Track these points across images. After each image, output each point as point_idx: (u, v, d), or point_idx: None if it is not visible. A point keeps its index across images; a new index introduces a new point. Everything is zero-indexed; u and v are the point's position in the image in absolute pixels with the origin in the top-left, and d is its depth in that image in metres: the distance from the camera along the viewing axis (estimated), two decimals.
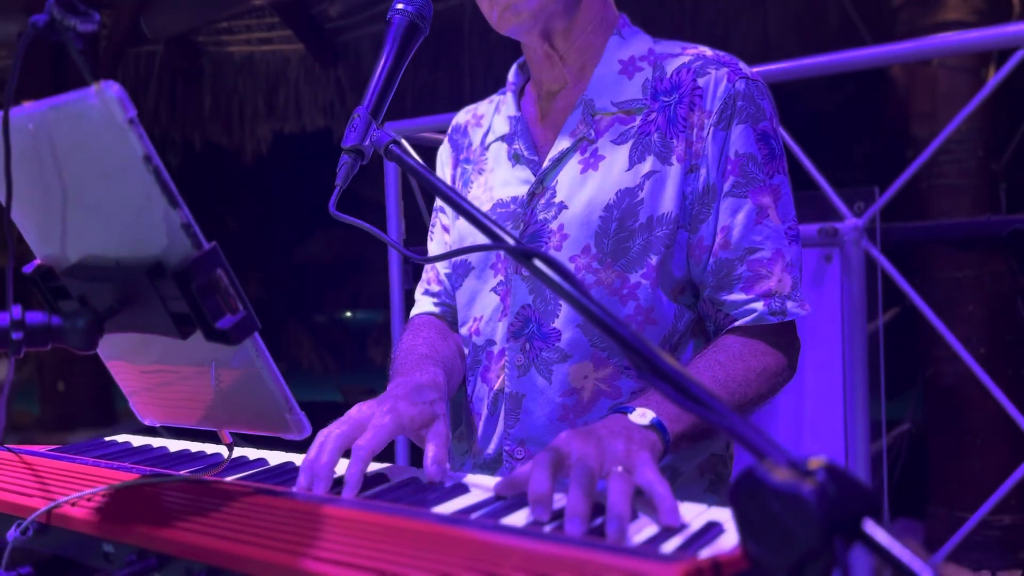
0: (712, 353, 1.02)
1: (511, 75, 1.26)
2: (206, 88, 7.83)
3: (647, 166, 1.04)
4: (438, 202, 1.29)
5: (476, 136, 1.27)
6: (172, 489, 0.90)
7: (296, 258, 9.98)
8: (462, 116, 1.34)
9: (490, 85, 6.91)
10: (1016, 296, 3.33)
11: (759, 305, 1.04)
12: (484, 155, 1.23)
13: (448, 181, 1.28)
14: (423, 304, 1.29)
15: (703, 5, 5.58)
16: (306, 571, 0.68)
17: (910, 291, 1.57)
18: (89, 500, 0.89)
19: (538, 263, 0.72)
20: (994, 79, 1.56)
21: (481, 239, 1.10)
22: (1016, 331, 3.29)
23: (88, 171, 0.74)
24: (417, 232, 2.24)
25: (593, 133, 1.08)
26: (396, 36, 1.01)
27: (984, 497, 2.02)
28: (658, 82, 1.08)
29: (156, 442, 1.19)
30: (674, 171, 1.04)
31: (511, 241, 0.77)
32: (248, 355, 0.77)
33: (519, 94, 1.24)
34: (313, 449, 0.88)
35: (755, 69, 1.34)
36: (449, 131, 1.35)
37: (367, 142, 0.95)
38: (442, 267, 1.27)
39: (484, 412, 1.14)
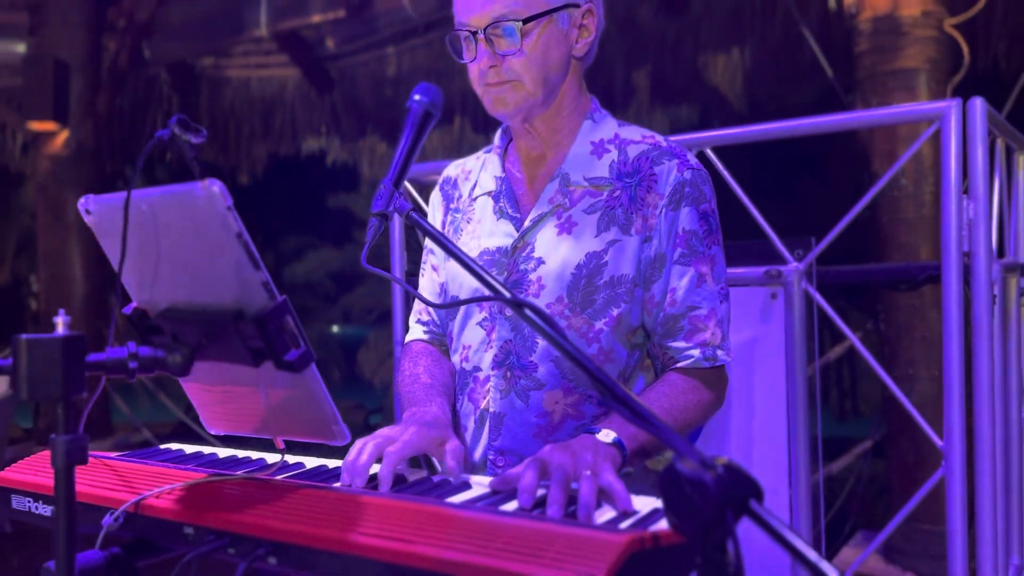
0: (659, 387, 1.27)
1: (497, 139, 1.48)
2: (203, 110, 8.06)
3: (611, 235, 1.29)
4: (428, 243, 1.52)
5: (465, 189, 1.50)
6: (236, 485, 1.13)
7: (289, 276, 10.18)
8: (452, 170, 1.55)
9: (481, 109, 7.18)
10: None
11: (696, 352, 1.29)
12: (472, 206, 1.45)
13: (439, 224, 1.51)
14: (416, 332, 1.53)
15: (685, 38, 5.87)
16: (354, 543, 0.92)
17: (842, 326, 1.83)
18: (169, 493, 1.12)
19: (529, 312, 0.96)
20: (909, 150, 1.82)
21: (470, 281, 1.34)
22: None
23: (187, 241, 0.98)
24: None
25: (568, 202, 1.32)
26: (414, 122, 1.24)
27: (942, 509, 2.23)
28: (622, 165, 1.32)
29: (205, 449, 1.42)
30: (633, 241, 1.28)
31: (507, 293, 1.01)
32: (307, 378, 1.00)
33: (504, 154, 1.46)
34: (352, 453, 1.12)
35: (707, 134, 1.58)
36: (440, 181, 1.57)
37: (391, 208, 1.18)
38: (432, 300, 1.50)
39: (471, 426, 1.37)
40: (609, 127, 1.37)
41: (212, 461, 1.31)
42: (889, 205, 3.59)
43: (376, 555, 0.92)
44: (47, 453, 1.34)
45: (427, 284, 1.50)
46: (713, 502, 0.74)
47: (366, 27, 5.59)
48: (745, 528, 0.76)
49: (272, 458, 1.31)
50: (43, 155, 6.27)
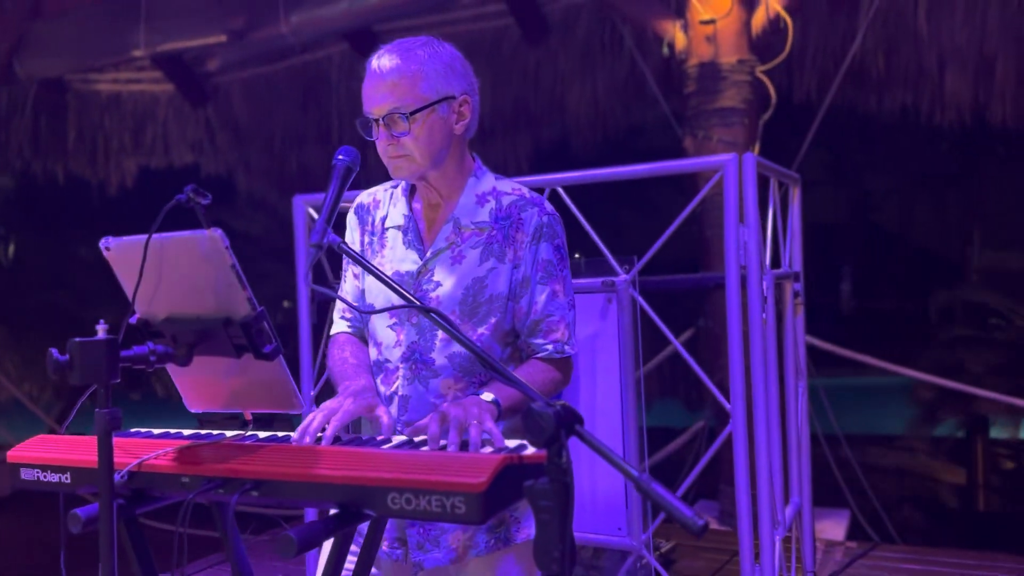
0: (524, 368, 1.75)
1: (403, 183, 1.91)
2: (71, 123, 8.03)
3: (490, 264, 1.74)
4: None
5: (377, 215, 1.90)
6: (214, 446, 1.53)
7: None
8: (365, 198, 1.93)
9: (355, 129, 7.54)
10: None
11: (550, 346, 1.77)
12: (384, 235, 1.86)
13: (358, 242, 1.87)
14: (341, 325, 1.93)
15: (545, 71, 6.45)
16: (316, 474, 1.36)
17: (662, 326, 2.38)
18: (165, 455, 1.51)
19: (434, 316, 1.43)
20: (697, 197, 2.41)
21: (386, 293, 1.77)
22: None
23: (189, 269, 1.39)
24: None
25: (459, 240, 1.77)
26: (338, 175, 1.67)
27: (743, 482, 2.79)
28: (498, 211, 1.77)
29: (171, 430, 1.79)
30: (506, 268, 1.75)
31: (417, 303, 1.46)
32: (277, 365, 1.43)
33: (410, 195, 1.89)
34: (305, 421, 1.54)
35: (557, 176, 2.06)
36: (355, 206, 1.94)
37: (325, 241, 1.60)
38: (352, 301, 1.90)
39: (384, 403, 1.82)
40: (488, 182, 1.82)
41: (190, 435, 1.69)
42: (711, 221, 4.25)
43: (333, 480, 1.36)
44: (43, 436, 1.71)
45: (350, 289, 1.90)
46: (554, 425, 1.22)
47: (247, 51, 5.85)
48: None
49: (230, 433, 1.70)
50: None
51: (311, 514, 3.03)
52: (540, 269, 1.76)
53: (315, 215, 2.86)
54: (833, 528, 4.14)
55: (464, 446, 1.47)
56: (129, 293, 1.46)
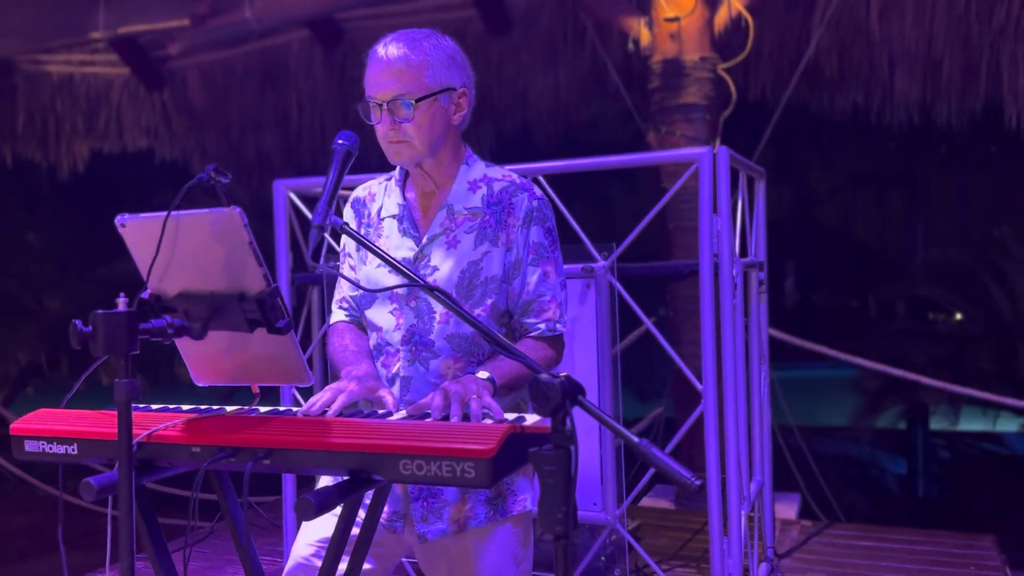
0: (519, 347, 1.82)
1: (397, 173, 1.97)
2: (20, 105, 7.85)
3: (484, 248, 1.82)
4: (347, 248, 1.99)
5: (373, 208, 1.97)
6: (221, 418, 1.58)
7: (107, 274, 9.95)
8: (361, 192, 2.02)
9: (316, 116, 7.51)
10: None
11: (543, 325, 1.86)
12: (380, 225, 1.93)
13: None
14: (339, 314, 1.99)
15: (507, 63, 6.52)
16: (328, 443, 1.42)
17: (638, 310, 2.49)
18: (174, 427, 1.56)
19: (439, 295, 1.50)
20: (674, 187, 2.52)
21: (385, 279, 1.83)
22: None
23: (207, 246, 1.44)
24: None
25: (453, 225, 1.84)
26: (338, 159, 1.72)
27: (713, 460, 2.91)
28: (490, 197, 1.85)
29: (171, 404, 1.83)
30: (499, 251, 1.82)
31: (423, 282, 1.54)
32: (288, 339, 1.49)
33: (403, 185, 1.95)
34: (310, 401, 1.60)
35: (540, 165, 2.14)
36: (351, 200, 2.02)
37: (327, 222, 1.66)
38: (349, 291, 1.97)
39: (386, 385, 1.89)
40: (479, 169, 1.90)
41: (188, 410, 1.74)
42: (674, 215, 4.38)
43: (345, 448, 1.42)
44: (45, 410, 1.74)
45: (350, 277, 1.97)
46: (559, 395, 1.31)
47: (210, 36, 5.80)
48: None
49: (231, 408, 1.75)
50: None
51: (288, 494, 3.07)
52: (531, 251, 1.83)
53: (296, 200, 2.90)
54: (785, 510, 4.32)
55: (465, 419, 1.55)
56: (142, 269, 1.50)
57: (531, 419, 1.56)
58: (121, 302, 1.38)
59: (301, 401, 2.74)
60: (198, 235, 1.45)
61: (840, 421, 7.82)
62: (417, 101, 1.73)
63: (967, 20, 5.30)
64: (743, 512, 2.57)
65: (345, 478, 1.45)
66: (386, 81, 1.74)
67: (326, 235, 1.83)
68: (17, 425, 1.69)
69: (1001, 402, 5.18)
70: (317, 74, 7.20)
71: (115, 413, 1.70)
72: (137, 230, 1.49)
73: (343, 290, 2.00)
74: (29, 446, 1.67)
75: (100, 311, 1.35)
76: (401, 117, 1.75)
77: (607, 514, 2.55)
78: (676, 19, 4.32)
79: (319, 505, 1.36)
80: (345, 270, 1.99)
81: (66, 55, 7.59)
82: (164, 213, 1.45)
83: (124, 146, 8.08)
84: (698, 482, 1.25)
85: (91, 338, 1.35)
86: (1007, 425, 7.54)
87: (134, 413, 1.68)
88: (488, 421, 1.54)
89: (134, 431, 1.58)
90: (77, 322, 1.34)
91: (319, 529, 1.79)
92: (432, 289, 1.51)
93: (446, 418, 1.54)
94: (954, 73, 5.46)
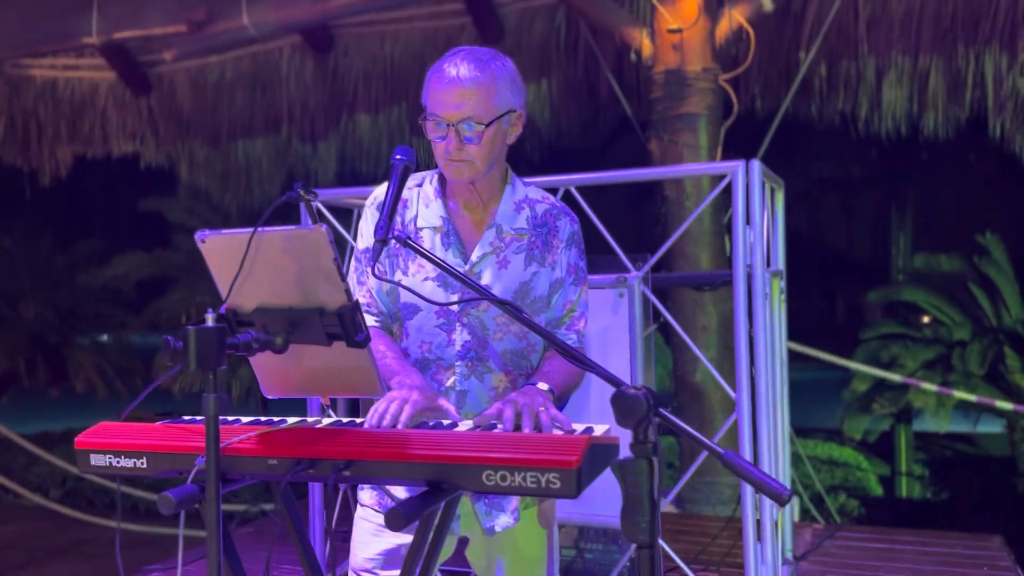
0: (555, 359, 1.85)
1: (432, 180, 1.97)
2: (2, 109, 7.75)
3: (533, 268, 1.86)
4: (358, 252, 1.98)
5: (407, 215, 1.92)
6: (294, 430, 1.60)
7: (89, 281, 9.83)
8: (381, 193, 1.92)
9: (306, 122, 7.48)
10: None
11: (574, 336, 1.92)
12: (419, 235, 1.94)
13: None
14: (369, 320, 1.98)
15: None
16: (408, 454, 1.45)
17: (671, 319, 2.54)
18: (248, 439, 1.58)
19: (510, 308, 1.54)
20: (711, 194, 2.58)
21: (433, 291, 1.85)
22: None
23: (289, 262, 1.46)
24: None
25: (503, 245, 1.88)
26: (397, 174, 1.75)
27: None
28: (534, 218, 1.89)
29: (229, 417, 1.84)
30: (546, 271, 1.87)
31: (495, 297, 1.57)
32: (366, 352, 1.51)
33: (441, 193, 1.97)
34: (378, 409, 1.62)
35: (572, 176, 2.20)
36: (373, 203, 1.95)
37: (390, 235, 1.69)
38: (383, 297, 1.95)
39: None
40: (520, 190, 1.93)
41: (248, 422, 1.76)
42: (676, 223, 4.44)
43: (426, 459, 1.45)
44: (106, 424, 1.74)
45: (374, 285, 1.95)
46: (644, 408, 1.35)
47: (206, 42, 5.78)
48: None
49: (292, 419, 1.77)
50: None
51: (316, 502, 3.08)
52: (571, 272, 1.92)
53: (323, 209, 2.91)
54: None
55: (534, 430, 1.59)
56: (221, 284, 1.52)
57: (599, 429, 1.61)
58: (210, 317, 1.40)
59: (331, 412, 2.75)
60: (279, 251, 1.47)
61: (831, 424, 7.95)
62: (486, 125, 1.76)
63: (953, 33, 5.45)
64: (775, 517, 2.63)
65: (424, 489, 1.48)
66: (457, 102, 1.75)
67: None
68: (82, 439, 1.69)
69: (989, 404, 5.32)
70: (307, 79, 7.18)
71: (181, 426, 1.73)
72: (217, 246, 1.51)
73: (367, 295, 1.95)
74: (95, 460, 1.68)
75: (191, 326, 1.37)
76: (467, 137, 1.77)
77: None
78: (679, 31, 4.39)
79: (407, 516, 1.39)
80: (369, 279, 1.95)
81: (51, 59, 7.50)
82: (246, 230, 1.47)
83: (109, 151, 8.00)
84: (787, 491, 1.30)
85: (182, 353, 1.36)
86: (990, 426, 7.74)
87: (194, 426, 1.71)
88: (558, 432, 1.58)
89: (203, 445, 1.60)
90: (169, 338, 1.36)
91: (379, 542, 1.83)
92: (503, 303, 1.56)
93: (516, 429, 1.58)
94: (940, 84, 5.60)
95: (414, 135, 7.15)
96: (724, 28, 4.49)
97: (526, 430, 1.56)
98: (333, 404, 2.89)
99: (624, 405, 1.36)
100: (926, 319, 7.34)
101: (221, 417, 1.85)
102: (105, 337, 11.02)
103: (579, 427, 1.61)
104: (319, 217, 2.87)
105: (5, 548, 5.69)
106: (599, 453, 1.49)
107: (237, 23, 5.32)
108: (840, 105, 5.80)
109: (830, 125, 6.00)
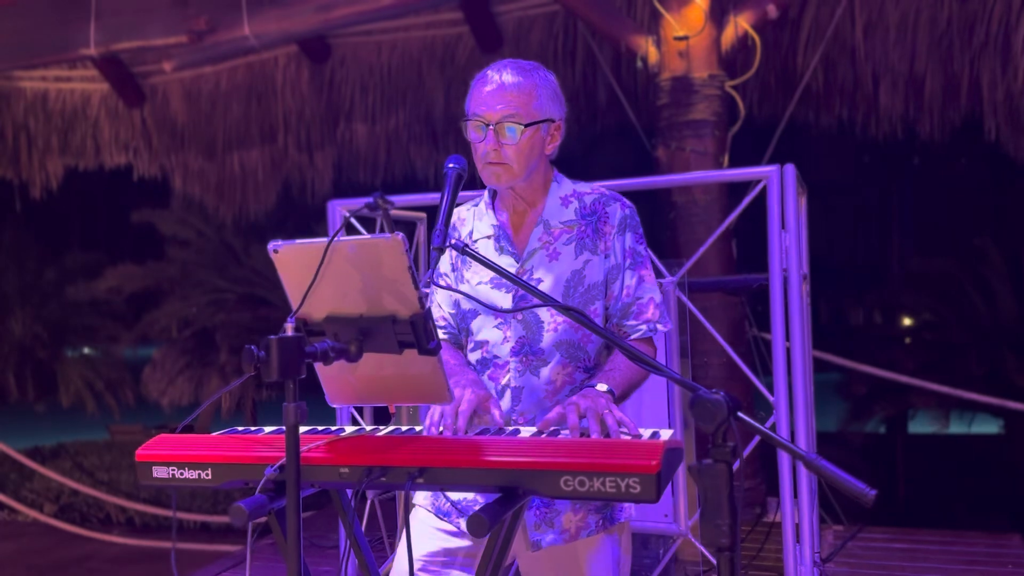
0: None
1: (487, 197, 2.01)
2: None
3: (585, 256, 1.88)
4: (441, 268, 2.02)
5: (463, 232, 1.99)
6: (361, 439, 1.60)
7: (79, 294, 9.73)
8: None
9: (302, 132, 7.45)
10: (744, 320, 4.60)
11: (643, 327, 1.92)
12: (476, 246, 1.97)
13: (446, 261, 1.98)
14: (438, 334, 2.02)
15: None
16: (482, 460, 1.46)
17: (708, 325, 2.57)
18: (318, 448, 1.58)
19: (576, 314, 1.55)
20: (741, 205, 2.61)
21: (493, 296, 1.87)
22: (744, 343, 4.54)
23: (361, 271, 1.47)
24: None
25: (552, 239, 1.90)
26: (450, 182, 1.77)
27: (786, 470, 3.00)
28: (582, 209, 1.91)
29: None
30: (599, 259, 1.89)
31: (558, 303, 1.58)
32: (436, 359, 1.52)
33: (492, 208, 2.00)
34: (435, 414, 1.63)
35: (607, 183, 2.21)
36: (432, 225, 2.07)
37: (447, 244, 1.70)
38: (448, 310, 2.00)
39: (493, 395, 1.92)
40: (567, 186, 1.96)
41: (309, 431, 1.75)
42: (686, 227, 4.48)
43: (501, 466, 1.46)
44: (165, 436, 1.74)
45: (443, 298, 2.00)
46: (724, 412, 1.37)
47: (207, 53, 5.76)
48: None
49: (350, 428, 1.77)
50: None
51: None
52: (628, 257, 1.91)
53: (355, 221, 2.92)
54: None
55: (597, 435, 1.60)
56: (293, 293, 1.52)
57: (665, 434, 1.62)
58: (289, 326, 1.40)
59: (359, 419, 2.74)
60: (356, 261, 1.47)
61: (830, 426, 8.01)
62: (524, 127, 1.79)
63: (948, 37, 5.53)
64: (814, 519, 2.66)
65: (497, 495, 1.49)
66: (500, 103, 1.80)
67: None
68: (143, 452, 1.69)
69: (988, 403, 5.38)
70: (304, 89, 7.17)
71: (244, 436, 1.73)
72: (290, 256, 1.51)
73: (439, 308, 2.02)
74: (158, 472, 1.67)
75: (273, 336, 1.37)
76: (505, 139, 1.80)
77: (679, 525, 2.61)
78: (685, 38, 4.43)
79: (491, 521, 1.40)
80: (439, 291, 2.02)
81: (41, 71, 7.44)
82: (319, 240, 1.47)
83: (101, 163, 7.94)
84: (872, 492, 1.32)
85: (264, 362, 1.36)
86: (987, 427, 7.83)
87: (261, 436, 1.70)
88: (624, 435, 1.59)
89: (276, 454, 1.60)
90: (252, 347, 1.36)
91: (422, 545, 1.83)
92: (566, 309, 1.57)
93: (583, 433, 1.59)
94: (936, 88, 5.68)
95: (412, 144, 7.17)
96: (730, 35, 4.53)
97: (593, 435, 1.57)
98: (360, 412, 2.89)
99: (704, 409, 1.37)
100: (922, 320, 7.44)
101: (275, 427, 1.86)
102: (92, 351, 10.89)
103: (645, 432, 1.62)
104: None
105: (9, 565, 5.61)
106: (672, 457, 1.50)
107: (239, 33, 5.30)
108: (838, 110, 5.88)
109: (827, 130, 6.06)
